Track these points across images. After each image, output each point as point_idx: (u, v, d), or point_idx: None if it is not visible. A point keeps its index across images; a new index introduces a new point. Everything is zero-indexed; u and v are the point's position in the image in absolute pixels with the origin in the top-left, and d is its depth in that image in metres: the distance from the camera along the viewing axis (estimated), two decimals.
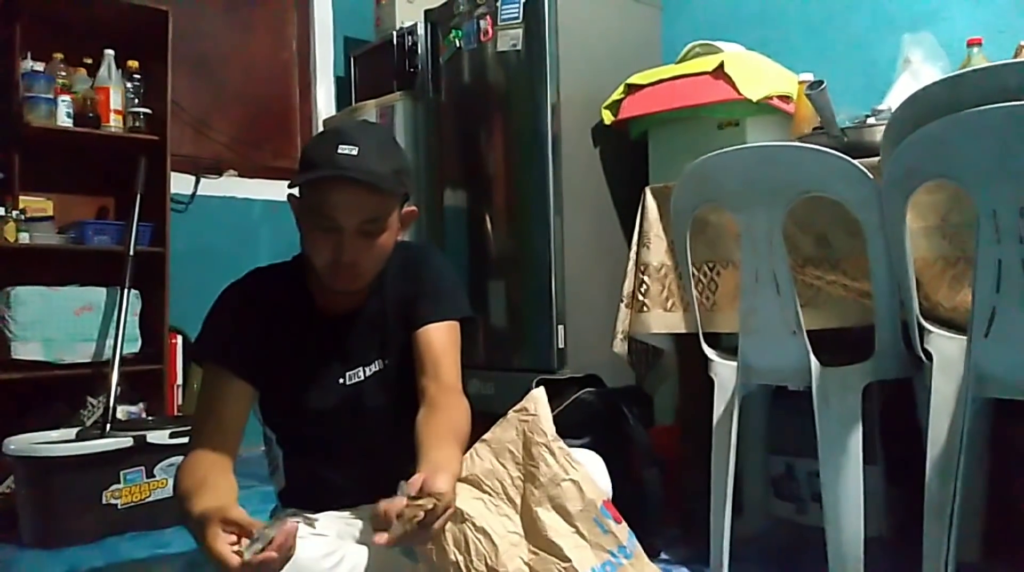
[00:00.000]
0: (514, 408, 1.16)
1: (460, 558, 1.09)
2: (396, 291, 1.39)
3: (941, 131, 1.22)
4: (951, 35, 2.05)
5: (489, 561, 1.09)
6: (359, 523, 1.34)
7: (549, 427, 1.14)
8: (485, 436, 1.15)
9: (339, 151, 1.20)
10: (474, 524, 1.11)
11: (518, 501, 1.13)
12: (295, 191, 1.30)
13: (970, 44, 1.85)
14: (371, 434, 1.36)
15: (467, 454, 1.14)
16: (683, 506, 1.96)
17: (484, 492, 1.13)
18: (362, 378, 1.37)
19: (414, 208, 1.36)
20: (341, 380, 1.36)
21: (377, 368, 1.38)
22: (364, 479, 1.34)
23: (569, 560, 1.08)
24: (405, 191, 1.30)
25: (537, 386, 1.27)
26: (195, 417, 1.30)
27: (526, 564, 1.10)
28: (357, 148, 1.20)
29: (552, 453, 1.13)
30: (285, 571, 1.01)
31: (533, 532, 1.11)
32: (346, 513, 1.35)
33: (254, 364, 1.29)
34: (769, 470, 2.11)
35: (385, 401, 1.36)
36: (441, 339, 1.34)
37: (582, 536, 1.11)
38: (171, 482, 2.29)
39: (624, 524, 1.14)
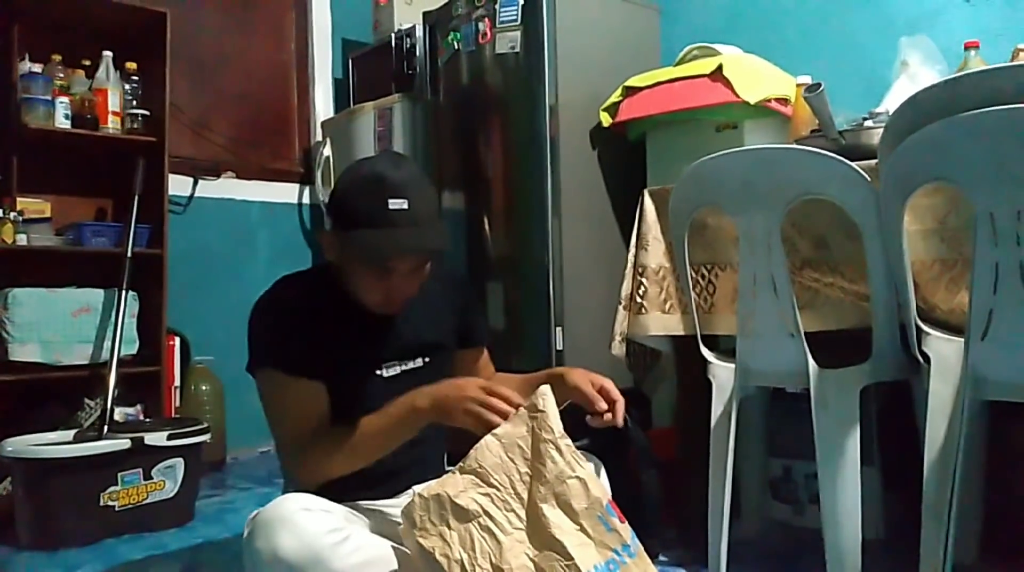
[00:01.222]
0: (525, 405, 1.17)
1: (465, 556, 1.10)
2: (439, 296, 1.48)
3: (939, 134, 1.23)
4: (948, 38, 2.06)
5: (493, 559, 1.09)
6: (366, 518, 1.37)
7: (557, 424, 1.15)
8: (495, 430, 1.15)
9: (391, 207, 1.23)
10: (480, 523, 1.11)
11: (525, 497, 1.13)
12: (328, 231, 1.34)
13: (967, 47, 1.86)
14: None
15: (477, 446, 1.15)
16: (681, 508, 1.96)
17: (492, 486, 1.13)
18: (398, 372, 1.42)
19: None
20: (380, 372, 1.40)
21: (417, 365, 1.44)
22: (380, 475, 1.38)
23: (572, 558, 1.08)
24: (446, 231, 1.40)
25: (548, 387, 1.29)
26: (287, 424, 1.32)
27: (531, 560, 1.10)
28: (407, 200, 1.24)
29: (559, 450, 1.13)
30: (287, 542, 1.14)
31: (538, 529, 1.11)
32: (362, 504, 1.38)
33: (315, 362, 1.32)
34: (767, 472, 2.12)
35: None
36: (487, 365, 1.60)
37: (586, 534, 1.11)
38: (168, 484, 2.29)
39: (627, 524, 1.14)
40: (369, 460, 1.28)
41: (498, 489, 1.13)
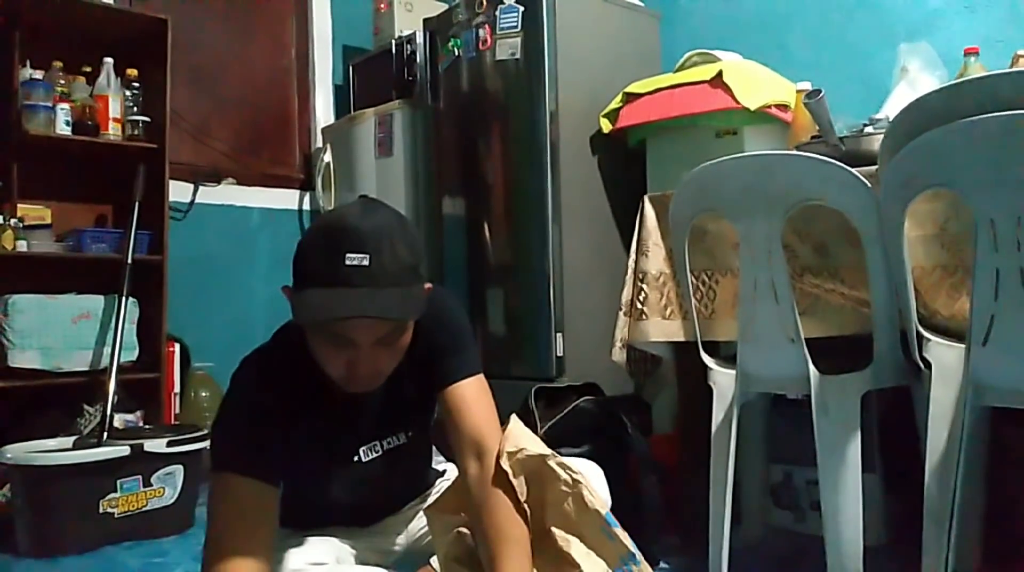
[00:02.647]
0: (503, 457, 1.15)
1: None
2: (421, 345, 1.23)
3: (938, 140, 1.23)
4: (948, 45, 2.06)
5: None
6: (352, 548, 1.34)
7: (540, 449, 1.14)
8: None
9: (347, 263, 1.03)
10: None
11: (536, 525, 1.14)
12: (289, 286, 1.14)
13: (967, 53, 1.86)
14: (375, 488, 1.34)
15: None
16: (682, 514, 1.96)
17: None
18: (380, 452, 1.30)
19: (429, 285, 1.18)
20: (356, 458, 1.28)
21: (398, 441, 1.31)
22: (358, 510, 1.36)
23: (581, 569, 1.08)
24: (419, 284, 1.13)
25: (513, 416, 1.28)
26: (217, 525, 1.11)
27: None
28: (367, 256, 1.04)
29: (553, 473, 1.13)
30: None
31: (545, 547, 1.11)
32: (338, 534, 1.35)
33: (275, 464, 1.15)
34: (768, 478, 2.11)
35: (400, 468, 1.33)
36: (476, 398, 1.25)
37: (591, 546, 1.11)
38: (167, 491, 2.29)
39: (625, 532, 1.15)
40: None
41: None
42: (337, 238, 1.05)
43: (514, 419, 1.18)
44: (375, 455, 1.29)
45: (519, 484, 1.14)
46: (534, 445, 1.15)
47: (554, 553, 1.11)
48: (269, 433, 1.15)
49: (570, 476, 1.13)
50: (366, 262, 1.03)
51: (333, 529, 1.35)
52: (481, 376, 1.29)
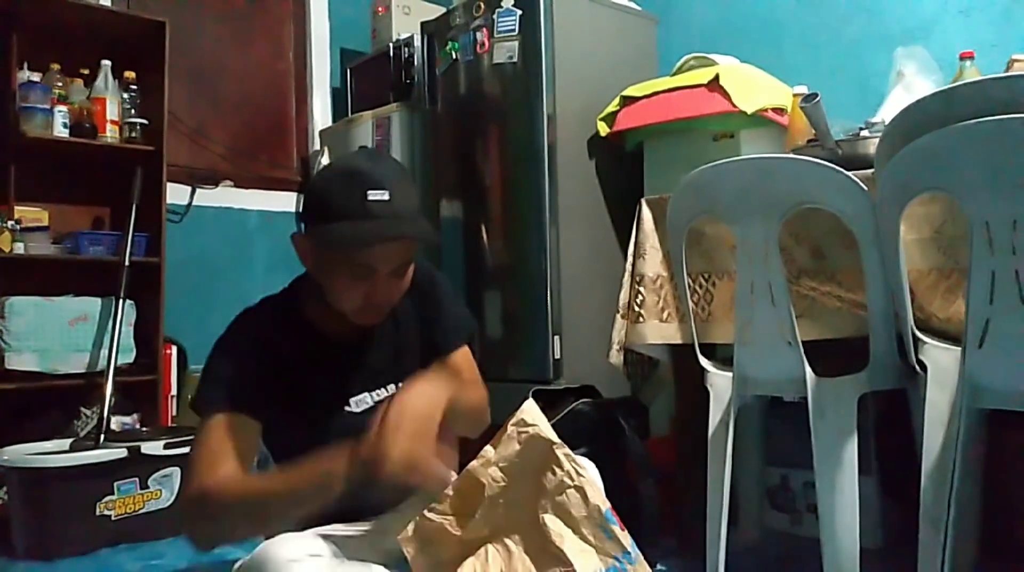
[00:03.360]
0: (511, 421, 1.16)
1: (478, 564, 1.11)
2: (408, 312, 1.37)
3: (934, 144, 1.23)
4: (944, 49, 2.07)
5: (503, 567, 1.11)
6: (349, 539, 1.32)
7: (551, 435, 1.14)
8: (492, 457, 1.13)
9: (370, 199, 1.15)
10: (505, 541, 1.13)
11: (529, 512, 1.14)
12: (301, 233, 1.25)
13: (962, 58, 1.87)
14: None
15: (480, 476, 1.13)
16: (679, 517, 1.96)
17: (499, 510, 1.13)
18: (371, 404, 1.33)
19: None
20: (347, 408, 1.32)
21: (389, 393, 1.34)
22: (353, 496, 1.34)
23: (572, 565, 1.08)
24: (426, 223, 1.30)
25: (530, 397, 1.27)
26: (201, 461, 1.17)
27: (535, 569, 1.11)
28: (387, 192, 1.16)
29: (558, 461, 1.13)
30: None
31: (539, 539, 1.12)
32: (336, 528, 1.33)
33: (259, 402, 1.22)
34: (765, 481, 2.11)
35: None
36: (467, 366, 1.42)
37: (587, 541, 1.11)
38: (164, 493, 2.28)
39: (626, 531, 1.15)
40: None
41: (502, 511, 1.13)
42: (356, 178, 1.17)
43: (531, 401, 1.18)
44: (366, 406, 1.32)
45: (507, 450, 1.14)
46: (547, 429, 1.15)
47: (543, 544, 1.11)
48: (253, 368, 1.23)
49: (574, 468, 1.13)
50: (386, 197, 1.16)
51: (333, 527, 1.34)
52: (466, 347, 1.44)
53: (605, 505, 1.13)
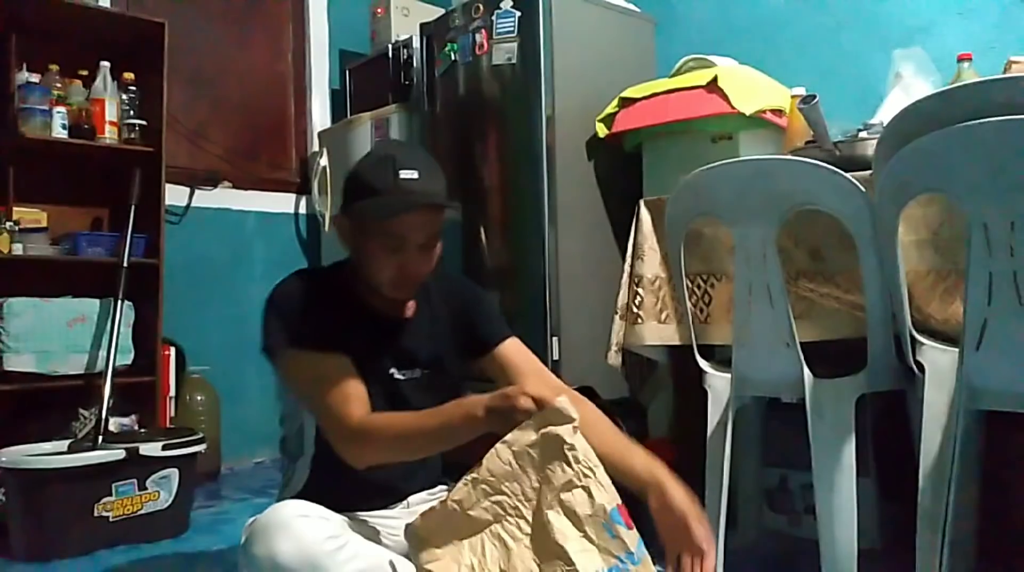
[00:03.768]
0: (539, 413, 1.14)
1: (475, 560, 1.11)
2: (443, 310, 1.51)
3: (932, 145, 1.24)
4: (942, 50, 2.08)
5: (502, 564, 1.10)
6: (363, 527, 1.36)
7: (568, 433, 1.14)
8: (506, 437, 1.14)
9: (402, 177, 1.29)
10: (490, 530, 1.12)
11: (534, 503, 1.13)
12: (342, 215, 1.38)
13: (960, 59, 1.87)
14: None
15: (488, 454, 1.14)
16: None
17: (502, 494, 1.13)
18: (404, 378, 1.43)
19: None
20: (391, 372, 1.42)
21: (415, 375, 1.45)
22: (378, 486, 1.40)
23: (574, 564, 1.08)
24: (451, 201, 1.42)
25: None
26: (326, 399, 1.28)
27: (537, 566, 1.11)
28: (416, 171, 1.30)
29: (568, 460, 1.12)
30: (286, 548, 1.14)
31: (542, 535, 1.11)
32: (355, 515, 1.38)
33: (337, 341, 1.32)
34: (763, 482, 2.12)
35: (427, 407, 1.36)
36: (527, 352, 1.52)
37: (590, 540, 1.11)
38: (163, 494, 2.28)
39: (634, 530, 1.14)
40: (415, 455, 1.29)
41: (508, 496, 1.13)
42: (389, 161, 1.31)
43: (566, 399, 1.17)
44: (411, 375, 1.44)
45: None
46: (566, 430, 1.15)
47: (545, 540, 1.10)
48: (319, 313, 1.34)
49: (584, 468, 1.12)
50: (416, 175, 1.30)
51: (357, 508, 1.40)
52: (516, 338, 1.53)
53: (612, 504, 1.13)
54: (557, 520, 1.11)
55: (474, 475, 1.13)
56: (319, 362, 1.30)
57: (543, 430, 1.12)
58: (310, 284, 1.40)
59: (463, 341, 1.51)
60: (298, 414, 1.46)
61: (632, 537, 1.13)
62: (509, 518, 1.13)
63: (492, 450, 1.13)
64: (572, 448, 1.13)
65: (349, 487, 1.36)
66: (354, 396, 1.27)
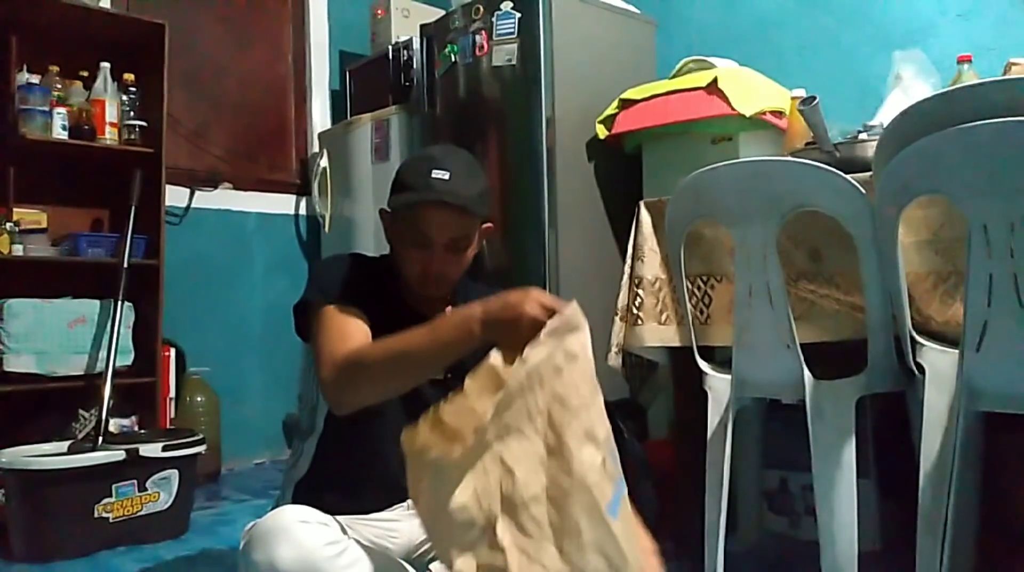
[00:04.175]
0: (550, 325, 1.07)
1: (477, 484, 1.03)
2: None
3: (932, 147, 1.24)
4: (942, 52, 2.08)
5: (505, 488, 1.04)
6: (365, 530, 1.35)
7: (581, 349, 1.08)
8: (525, 355, 1.05)
9: (433, 176, 1.32)
10: (493, 451, 1.04)
11: (541, 423, 1.06)
12: (386, 208, 1.42)
13: (960, 61, 1.87)
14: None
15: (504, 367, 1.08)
16: (677, 520, 1.96)
17: (514, 411, 1.04)
18: (431, 380, 1.38)
19: (491, 224, 1.48)
20: None
21: (441, 377, 1.38)
22: (385, 479, 1.35)
23: (590, 489, 1.04)
24: (488, 210, 1.41)
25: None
26: (328, 335, 1.30)
27: (543, 490, 1.05)
28: (449, 173, 1.33)
29: (584, 377, 1.08)
30: (285, 553, 1.14)
31: (558, 456, 1.05)
32: (356, 518, 1.36)
33: (366, 309, 1.34)
34: (763, 484, 2.11)
35: None
36: None
37: (604, 464, 1.07)
38: (163, 495, 2.28)
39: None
40: (404, 381, 1.23)
41: (519, 414, 1.05)
42: (426, 162, 1.36)
43: (576, 306, 1.10)
44: (435, 377, 1.37)
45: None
46: (580, 346, 1.08)
47: (568, 467, 1.04)
48: (360, 286, 1.38)
49: (595, 386, 1.08)
50: (447, 177, 1.32)
51: (355, 511, 1.37)
52: None
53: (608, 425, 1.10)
54: (576, 443, 1.06)
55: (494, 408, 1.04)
56: (340, 316, 1.32)
57: (556, 346, 1.06)
58: (358, 264, 1.46)
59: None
60: (313, 393, 1.46)
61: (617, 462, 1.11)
62: (521, 441, 1.05)
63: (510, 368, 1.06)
64: (585, 363, 1.08)
65: (353, 472, 1.36)
66: (355, 341, 1.27)
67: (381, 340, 1.24)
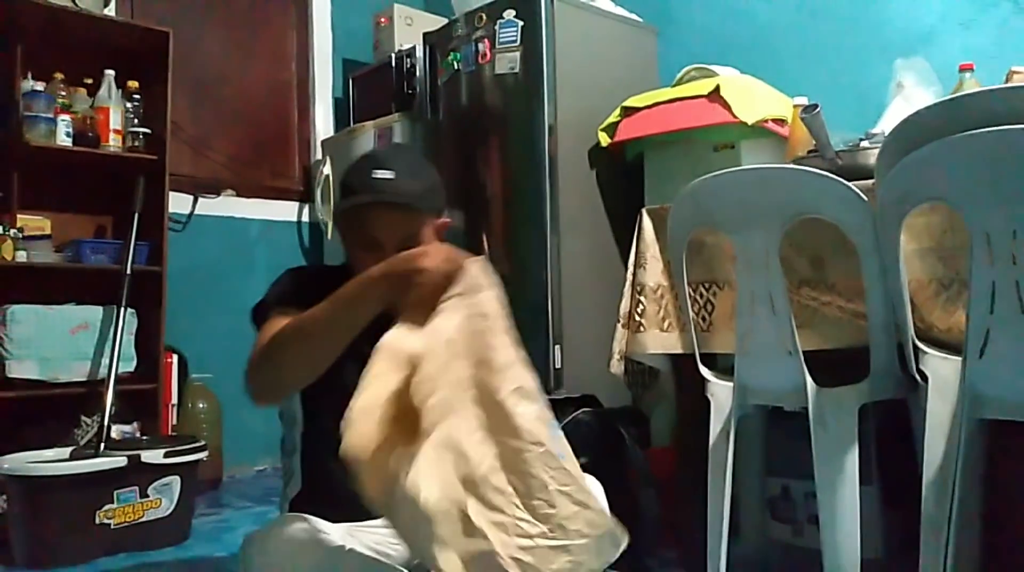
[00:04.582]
0: (453, 291, 1.06)
1: (437, 475, 1.01)
2: None
3: (934, 155, 1.24)
4: (943, 60, 2.08)
5: (460, 470, 1.02)
6: (366, 537, 1.34)
7: (493, 307, 1.08)
8: (428, 326, 1.04)
9: (375, 176, 1.29)
10: (448, 439, 1.02)
11: (474, 392, 1.05)
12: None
13: (962, 69, 1.87)
14: None
15: (421, 350, 1.04)
16: (680, 527, 1.95)
17: (444, 388, 1.03)
18: None
19: (447, 219, 1.43)
20: None
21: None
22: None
23: (540, 441, 1.04)
24: (438, 206, 1.37)
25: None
26: (257, 341, 1.25)
27: (496, 459, 1.04)
28: (392, 172, 1.29)
29: (501, 334, 1.07)
30: (286, 563, 1.13)
31: (499, 419, 1.04)
32: (357, 526, 1.35)
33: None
34: (766, 491, 2.11)
35: None
36: None
37: (542, 415, 1.07)
38: (164, 502, 2.28)
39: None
40: (317, 355, 1.16)
41: (451, 390, 1.03)
42: (368, 162, 1.33)
43: (477, 265, 1.08)
44: None
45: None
46: (490, 303, 1.07)
47: (510, 426, 1.03)
48: (310, 297, 1.27)
49: (512, 344, 1.06)
50: (389, 176, 1.28)
51: (350, 524, 1.36)
52: None
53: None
54: (513, 401, 1.05)
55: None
56: (276, 322, 1.25)
57: (469, 308, 1.05)
58: (313, 274, 1.44)
59: None
60: (292, 409, 1.45)
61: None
62: (461, 421, 1.04)
63: (425, 348, 1.03)
64: (500, 320, 1.07)
65: (343, 484, 1.36)
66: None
67: (289, 320, 1.19)
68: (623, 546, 1.10)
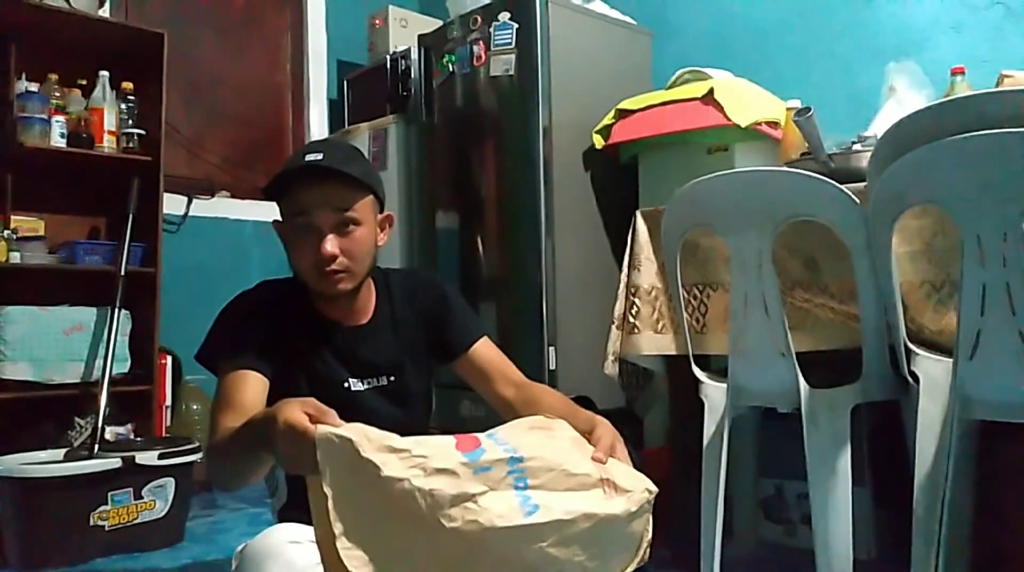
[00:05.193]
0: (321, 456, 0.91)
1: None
2: (407, 312, 1.45)
3: (926, 157, 1.25)
4: (935, 64, 2.10)
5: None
6: None
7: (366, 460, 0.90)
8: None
9: (306, 159, 1.27)
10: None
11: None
12: (278, 218, 1.36)
13: (954, 73, 1.89)
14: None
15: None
16: (673, 528, 1.96)
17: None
18: (363, 389, 1.39)
19: (390, 213, 1.41)
20: (346, 385, 1.37)
21: (383, 383, 1.41)
22: None
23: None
24: (374, 191, 1.33)
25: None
26: (213, 414, 1.25)
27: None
28: (322, 154, 1.27)
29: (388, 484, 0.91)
30: None
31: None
32: None
33: (266, 359, 1.29)
34: (759, 492, 2.12)
35: (392, 416, 1.36)
36: (494, 351, 1.46)
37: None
38: (159, 503, 2.28)
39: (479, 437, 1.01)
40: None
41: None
42: (302, 148, 1.34)
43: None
44: (373, 384, 1.39)
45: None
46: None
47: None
48: (260, 329, 1.31)
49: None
50: (320, 157, 1.26)
51: None
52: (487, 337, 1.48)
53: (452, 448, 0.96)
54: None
55: None
56: (231, 379, 1.26)
57: (345, 473, 0.91)
58: (267, 297, 1.38)
59: (431, 345, 1.46)
60: None
61: (490, 445, 0.99)
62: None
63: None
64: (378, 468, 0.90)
65: None
66: (239, 411, 1.18)
67: (228, 430, 1.13)
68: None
